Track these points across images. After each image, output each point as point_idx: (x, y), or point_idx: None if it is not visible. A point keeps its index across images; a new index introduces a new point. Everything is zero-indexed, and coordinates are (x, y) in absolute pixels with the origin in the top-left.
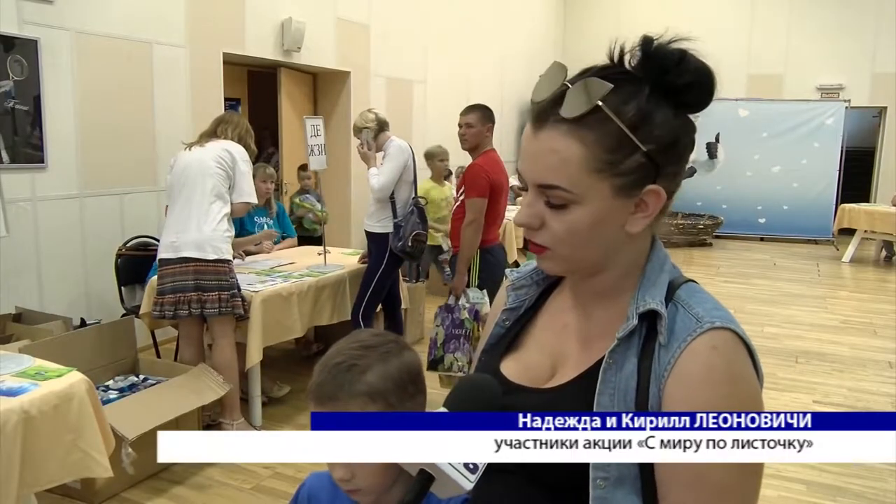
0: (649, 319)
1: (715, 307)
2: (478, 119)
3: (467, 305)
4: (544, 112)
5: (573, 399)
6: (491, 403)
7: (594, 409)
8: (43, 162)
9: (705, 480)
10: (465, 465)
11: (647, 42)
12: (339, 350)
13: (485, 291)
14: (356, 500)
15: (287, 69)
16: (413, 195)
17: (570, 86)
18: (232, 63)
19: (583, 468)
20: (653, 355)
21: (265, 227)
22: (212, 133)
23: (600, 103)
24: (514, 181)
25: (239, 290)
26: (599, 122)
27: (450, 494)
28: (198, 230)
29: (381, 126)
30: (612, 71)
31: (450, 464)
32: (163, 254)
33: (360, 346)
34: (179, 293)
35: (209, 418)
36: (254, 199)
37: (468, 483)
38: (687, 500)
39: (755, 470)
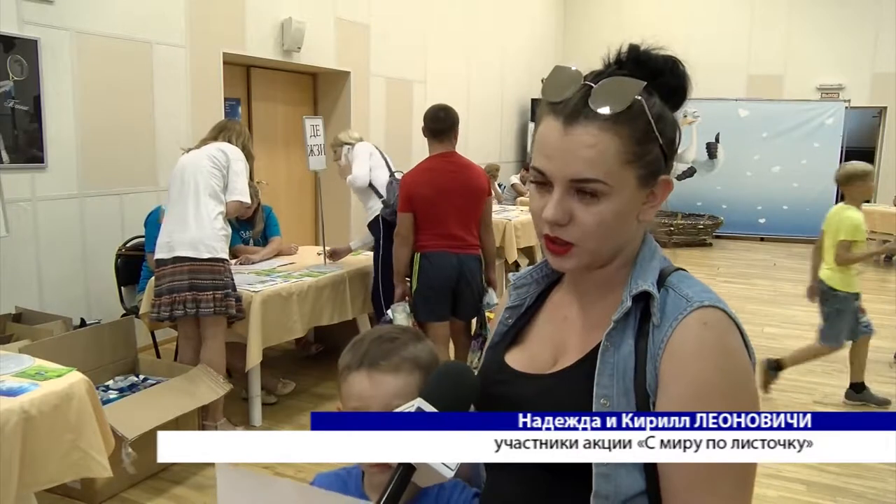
0: (643, 303)
1: (704, 290)
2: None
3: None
4: (576, 109)
5: (574, 382)
6: (471, 390)
7: (595, 389)
8: (43, 162)
9: None
10: None
11: (635, 48)
12: (372, 331)
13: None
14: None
15: (258, 69)
16: (390, 173)
17: (593, 85)
18: (232, 63)
19: None
20: (648, 336)
21: (250, 242)
22: (212, 140)
23: (640, 97)
24: (515, 179)
25: (234, 289)
26: (632, 117)
27: (431, 483)
28: (191, 229)
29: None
30: (619, 73)
31: None
32: (158, 254)
33: (392, 327)
34: (175, 293)
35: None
36: (246, 198)
37: (449, 472)
38: (687, 472)
39: None
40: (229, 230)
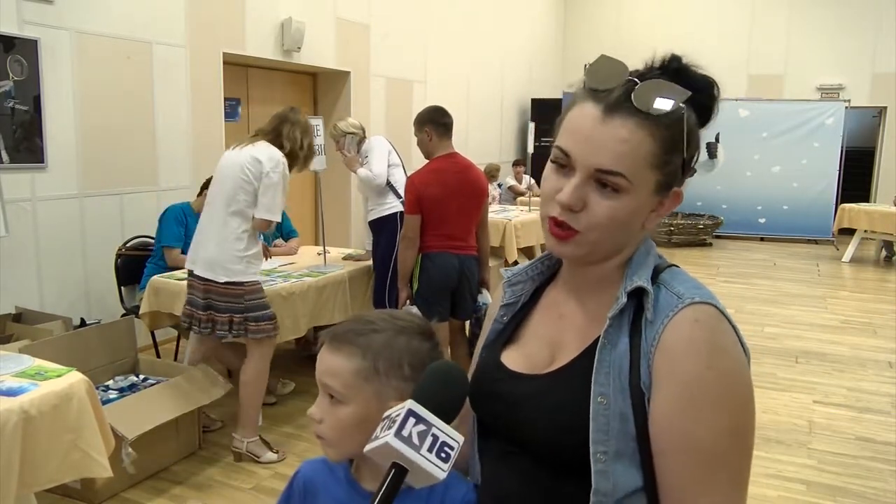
0: (638, 298)
1: (696, 286)
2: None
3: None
4: (618, 101)
5: (572, 380)
6: (460, 388)
7: (592, 388)
8: (43, 162)
9: (698, 447)
10: (438, 456)
11: (678, 59)
12: (368, 312)
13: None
14: (322, 447)
15: (257, 69)
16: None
17: (637, 81)
18: (232, 63)
19: (584, 447)
20: (641, 333)
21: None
22: (270, 132)
23: (683, 106)
24: (511, 181)
25: (260, 309)
26: (670, 123)
27: (424, 484)
28: (211, 249)
29: (365, 134)
30: (662, 78)
31: (422, 455)
32: (187, 263)
33: (389, 315)
34: (192, 307)
35: (206, 418)
36: (276, 217)
37: (441, 473)
38: (682, 468)
39: (746, 433)
40: (257, 247)
